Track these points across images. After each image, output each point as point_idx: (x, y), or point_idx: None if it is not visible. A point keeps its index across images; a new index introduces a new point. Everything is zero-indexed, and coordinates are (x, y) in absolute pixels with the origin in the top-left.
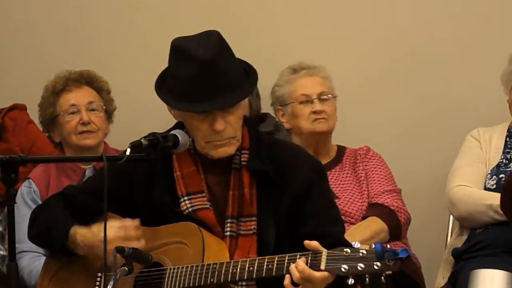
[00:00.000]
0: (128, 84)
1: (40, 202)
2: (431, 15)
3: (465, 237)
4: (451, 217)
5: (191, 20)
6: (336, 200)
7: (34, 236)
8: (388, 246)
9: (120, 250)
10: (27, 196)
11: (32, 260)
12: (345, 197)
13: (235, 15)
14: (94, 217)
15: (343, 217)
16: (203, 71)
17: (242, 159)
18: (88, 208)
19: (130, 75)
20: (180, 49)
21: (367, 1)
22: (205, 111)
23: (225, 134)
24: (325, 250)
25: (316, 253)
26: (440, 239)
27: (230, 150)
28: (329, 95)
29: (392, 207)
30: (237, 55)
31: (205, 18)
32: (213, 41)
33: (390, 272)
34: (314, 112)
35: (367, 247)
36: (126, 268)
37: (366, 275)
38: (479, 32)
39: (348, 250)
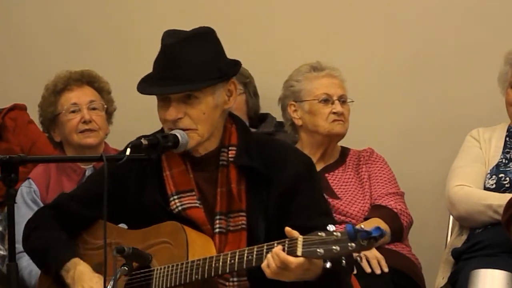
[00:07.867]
0: (128, 84)
1: (40, 202)
2: (432, 18)
3: (464, 237)
4: (451, 217)
5: (192, 21)
6: (338, 201)
7: (29, 253)
8: (362, 226)
9: (120, 250)
10: (27, 196)
11: None
12: (347, 198)
13: (236, 15)
14: (86, 225)
15: (344, 217)
16: (161, 57)
17: (230, 155)
18: (79, 217)
19: (130, 75)
20: None
21: (370, 5)
22: (142, 93)
23: (180, 124)
24: (300, 236)
25: (292, 240)
26: (440, 239)
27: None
28: (348, 99)
29: (395, 210)
30: (237, 56)
31: (206, 18)
32: (183, 33)
33: (364, 252)
34: (334, 113)
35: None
36: (126, 268)
37: (343, 257)
38: (479, 33)
39: (323, 234)
